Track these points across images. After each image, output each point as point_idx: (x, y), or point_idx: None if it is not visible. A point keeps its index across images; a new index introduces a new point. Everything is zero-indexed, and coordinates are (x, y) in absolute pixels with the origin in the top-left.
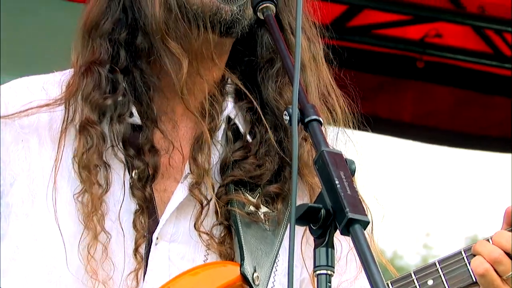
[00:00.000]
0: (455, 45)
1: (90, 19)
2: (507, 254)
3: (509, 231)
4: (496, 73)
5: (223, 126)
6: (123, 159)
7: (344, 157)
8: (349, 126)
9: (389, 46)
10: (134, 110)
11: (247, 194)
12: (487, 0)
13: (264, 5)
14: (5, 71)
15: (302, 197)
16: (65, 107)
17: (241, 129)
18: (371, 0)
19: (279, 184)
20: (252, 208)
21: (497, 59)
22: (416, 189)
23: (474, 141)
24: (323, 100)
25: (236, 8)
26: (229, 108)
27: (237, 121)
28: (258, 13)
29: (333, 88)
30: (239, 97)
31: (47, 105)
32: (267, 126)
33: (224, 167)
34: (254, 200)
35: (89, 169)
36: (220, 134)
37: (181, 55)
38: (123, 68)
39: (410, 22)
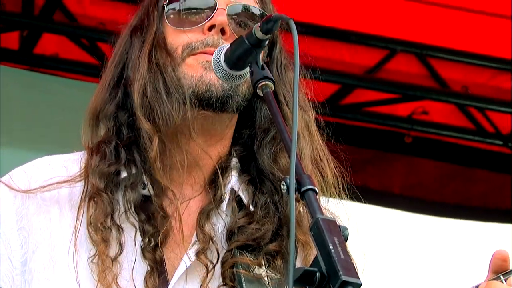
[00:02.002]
0: (441, 121)
1: (95, 105)
2: None
3: (495, 279)
4: (479, 148)
5: (227, 197)
6: (135, 224)
7: (338, 224)
8: (339, 189)
9: (379, 122)
10: (147, 182)
11: (251, 256)
12: (470, 80)
13: (263, 83)
14: (5, 146)
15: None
16: (85, 183)
17: (244, 200)
18: (362, 80)
19: (278, 242)
20: (256, 268)
21: (479, 134)
22: (404, 256)
23: (458, 211)
24: (315, 165)
25: (227, 85)
26: (233, 181)
27: (240, 193)
28: (257, 90)
29: (324, 153)
30: (242, 170)
31: (67, 181)
32: (264, 192)
33: (230, 234)
34: (257, 260)
35: (99, 231)
36: (224, 205)
37: (152, 133)
38: (127, 144)
39: (399, 100)
